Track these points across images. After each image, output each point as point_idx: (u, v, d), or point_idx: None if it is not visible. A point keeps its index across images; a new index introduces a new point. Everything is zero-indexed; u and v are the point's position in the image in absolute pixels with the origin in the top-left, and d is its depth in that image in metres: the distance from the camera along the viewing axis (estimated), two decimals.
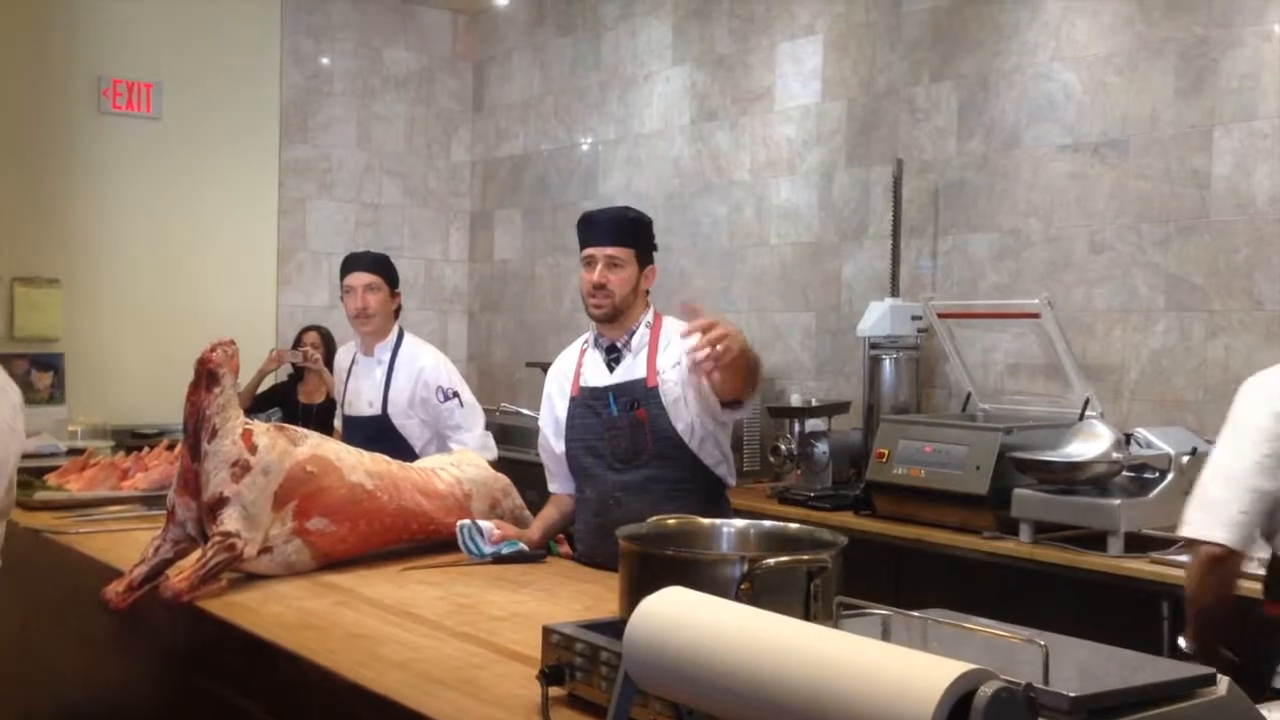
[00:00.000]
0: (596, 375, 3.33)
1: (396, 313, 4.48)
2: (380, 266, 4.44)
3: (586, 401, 3.31)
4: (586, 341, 3.41)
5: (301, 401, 6.45)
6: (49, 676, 3.46)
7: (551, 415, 3.42)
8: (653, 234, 3.37)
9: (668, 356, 3.25)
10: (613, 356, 3.33)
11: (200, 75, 7.19)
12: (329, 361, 6.62)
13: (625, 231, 3.28)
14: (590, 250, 3.27)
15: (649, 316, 3.34)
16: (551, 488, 3.50)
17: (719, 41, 6.40)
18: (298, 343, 6.59)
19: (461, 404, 4.35)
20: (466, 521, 3.18)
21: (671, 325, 3.33)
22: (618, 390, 3.26)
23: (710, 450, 3.28)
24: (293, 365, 6.51)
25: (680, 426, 3.21)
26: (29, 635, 3.33)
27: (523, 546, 3.17)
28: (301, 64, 7.60)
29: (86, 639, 3.22)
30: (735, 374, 2.97)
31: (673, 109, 6.69)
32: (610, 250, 3.24)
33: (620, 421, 3.23)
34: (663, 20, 6.75)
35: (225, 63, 7.29)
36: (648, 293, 3.36)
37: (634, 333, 3.31)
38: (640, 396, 3.23)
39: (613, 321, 3.29)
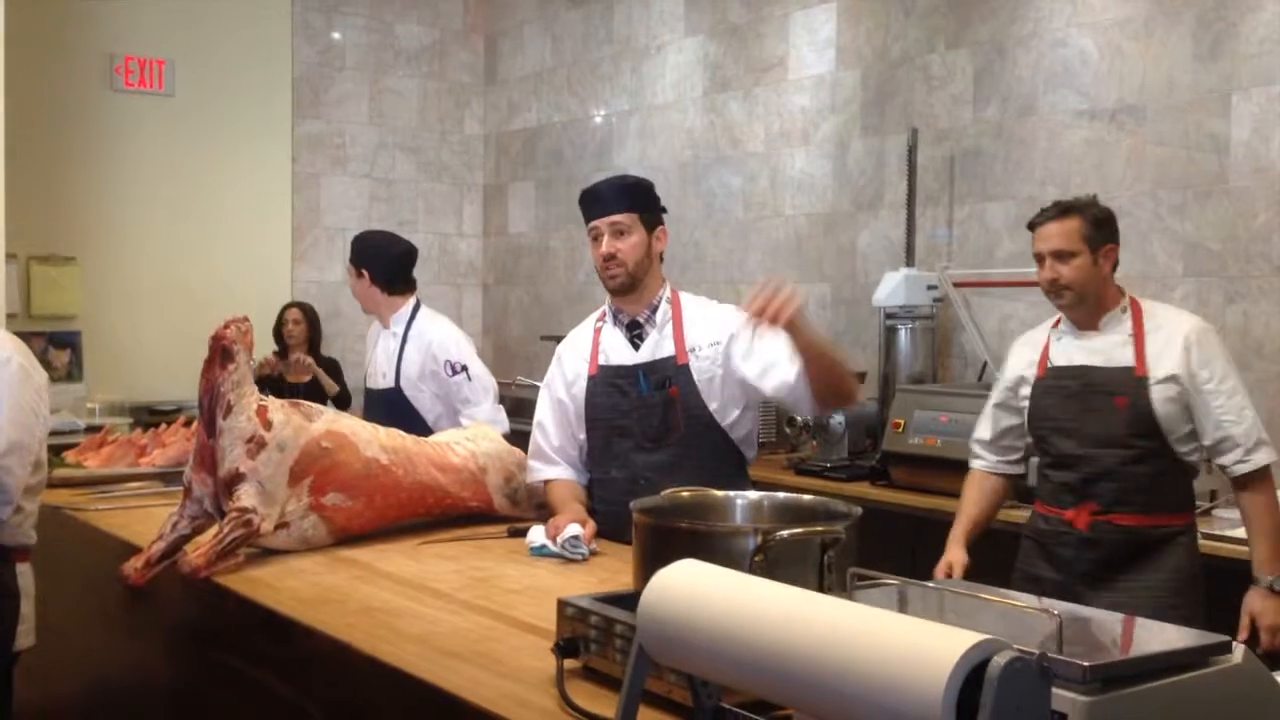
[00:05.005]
0: (620, 353, 3.22)
1: (392, 288, 4.44)
2: (351, 251, 4.54)
3: (610, 380, 3.20)
4: (602, 319, 3.30)
5: (288, 380, 6.46)
6: (68, 652, 3.49)
7: (568, 393, 3.28)
8: (655, 196, 3.25)
9: (698, 334, 3.17)
10: (635, 333, 3.22)
11: (212, 52, 7.19)
12: (313, 338, 6.68)
13: (625, 197, 3.17)
14: (594, 222, 3.17)
15: (667, 292, 3.24)
16: (552, 473, 3.29)
17: (731, 11, 6.36)
18: (280, 319, 6.67)
19: (470, 378, 4.33)
20: (570, 533, 2.91)
21: (691, 302, 3.27)
22: (647, 368, 3.16)
23: (744, 424, 3.21)
24: (277, 344, 6.63)
25: (714, 406, 3.13)
26: (48, 611, 3.36)
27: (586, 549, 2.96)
28: (313, 39, 7.58)
29: (105, 615, 3.24)
30: (808, 352, 2.91)
31: (686, 80, 6.66)
32: (613, 218, 3.14)
33: (651, 400, 3.14)
34: None
35: (237, 39, 7.29)
36: (662, 260, 3.27)
37: (656, 308, 3.21)
38: (672, 374, 3.14)
39: (631, 292, 3.19)
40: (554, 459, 3.30)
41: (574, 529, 2.93)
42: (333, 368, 6.66)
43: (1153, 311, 3.32)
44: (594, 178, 7.24)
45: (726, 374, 3.14)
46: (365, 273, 4.43)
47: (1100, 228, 3.28)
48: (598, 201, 3.19)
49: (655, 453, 3.15)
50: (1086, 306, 3.31)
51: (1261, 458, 3.16)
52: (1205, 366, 3.18)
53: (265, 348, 6.37)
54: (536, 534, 3.00)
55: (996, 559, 4.05)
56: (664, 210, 3.28)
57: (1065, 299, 3.31)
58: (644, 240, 3.17)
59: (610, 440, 3.22)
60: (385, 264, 4.43)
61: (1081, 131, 4.84)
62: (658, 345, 3.20)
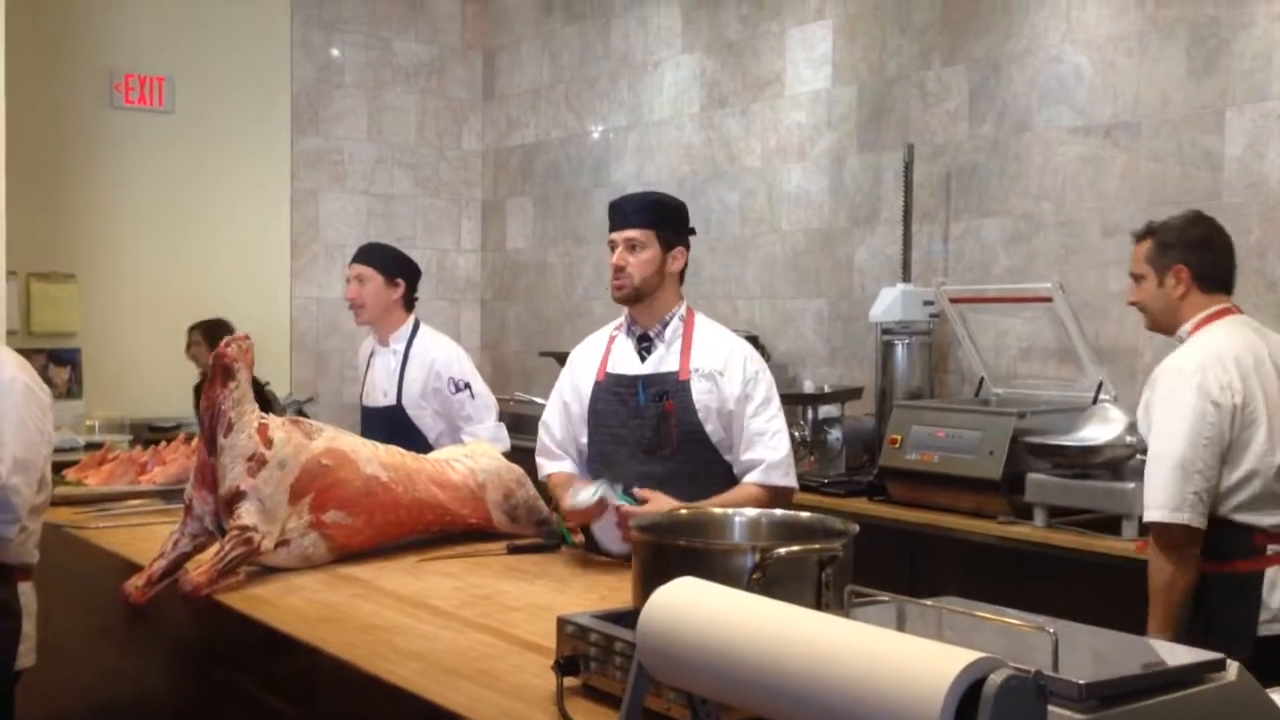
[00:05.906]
0: (627, 363, 3.29)
1: (409, 303, 4.47)
2: (369, 256, 4.46)
3: (613, 389, 3.27)
4: (618, 328, 3.37)
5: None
6: (70, 670, 3.50)
7: (576, 396, 3.35)
8: (682, 216, 3.32)
9: (704, 356, 3.23)
10: (644, 346, 3.29)
11: (211, 68, 7.21)
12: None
13: (646, 213, 3.25)
14: (612, 235, 3.26)
15: (682, 310, 3.31)
16: (556, 467, 3.39)
17: (729, 28, 6.39)
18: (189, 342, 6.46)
19: (473, 396, 4.35)
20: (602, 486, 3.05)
21: (705, 324, 3.33)
22: (648, 380, 3.23)
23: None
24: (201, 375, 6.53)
25: (709, 428, 3.20)
26: (49, 630, 3.36)
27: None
28: (312, 56, 7.61)
29: (107, 633, 3.25)
30: None
31: (683, 96, 6.69)
32: (630, 233, 3.21)
33: (647, 412, 3.21)
34: (672, 7, 6.74)
35: (236, 55, 7.31)
36: (681, 278, 3.32)
37: (667, 323, 3.28)
38: (671, 389, 3.20)
39: (635, 303, 3.26)
40: (559, 454, 3.41)
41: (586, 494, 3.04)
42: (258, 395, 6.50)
43: (1196, 339, 3.08)
44: (592, 193, 7.32)
45: (720, 409, 3.21)
46: (402, 282, 4.42)
47: (1166, 250, 3.12)
48: (618, 214, 3.28)
49: (649, 464, 3.20)
50: (1164, 330, 3.20)
51: (1146, 516, 2.95)
52: (1149, 412, 3.00)
53: (265, 365, 6.35)
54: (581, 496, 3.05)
55: (995, 575, 4.07)
56: (691, 232, 3.35)
57: (1146, 322, 3.22)
58: (656, 257, 3.23)
59: (606, 447, 3.29)
60: (415, 278, 4.49)
61: (1076, 147, 4.87)
62: (663, 359, 3.27)
